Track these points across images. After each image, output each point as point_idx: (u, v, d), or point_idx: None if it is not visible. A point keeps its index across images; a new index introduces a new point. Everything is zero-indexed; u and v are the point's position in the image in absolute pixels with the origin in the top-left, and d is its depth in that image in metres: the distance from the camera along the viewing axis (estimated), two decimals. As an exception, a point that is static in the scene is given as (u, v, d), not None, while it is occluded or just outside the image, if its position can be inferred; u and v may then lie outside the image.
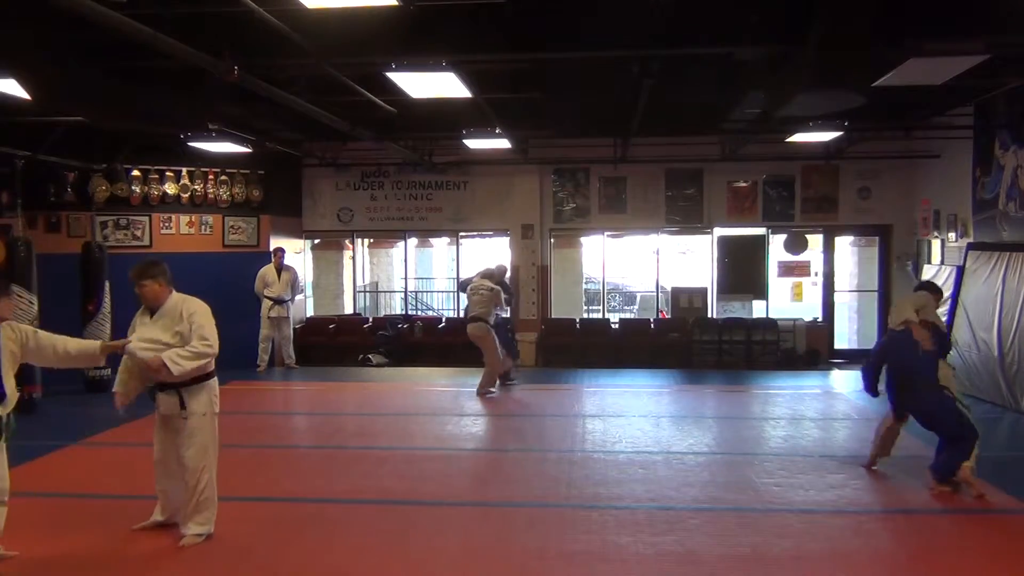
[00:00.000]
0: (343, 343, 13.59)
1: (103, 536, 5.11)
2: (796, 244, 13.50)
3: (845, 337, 14.70)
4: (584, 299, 15.04)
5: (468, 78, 7.29)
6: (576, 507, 5.85)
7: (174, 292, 5.14)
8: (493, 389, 10.22)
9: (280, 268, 12.18)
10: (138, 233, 11.81)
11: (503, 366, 10.40)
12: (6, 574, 4.71)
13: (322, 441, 8.35)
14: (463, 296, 11.37)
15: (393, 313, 15.71)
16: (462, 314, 12.10)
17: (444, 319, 14.56)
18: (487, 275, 10.41)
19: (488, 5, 6.37)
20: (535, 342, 13.31)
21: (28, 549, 4.92)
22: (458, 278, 10.90)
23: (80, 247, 10.56)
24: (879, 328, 13.49)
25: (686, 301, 13.53)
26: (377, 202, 13.86)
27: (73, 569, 4.81)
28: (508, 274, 11.97)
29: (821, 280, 14.03)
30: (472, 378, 10.45)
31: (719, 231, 13.47)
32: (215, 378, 5.23)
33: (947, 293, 10.57)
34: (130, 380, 5.15)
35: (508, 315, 11.29)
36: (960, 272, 10.41)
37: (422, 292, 18.06)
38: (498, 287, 10.31)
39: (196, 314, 5.03)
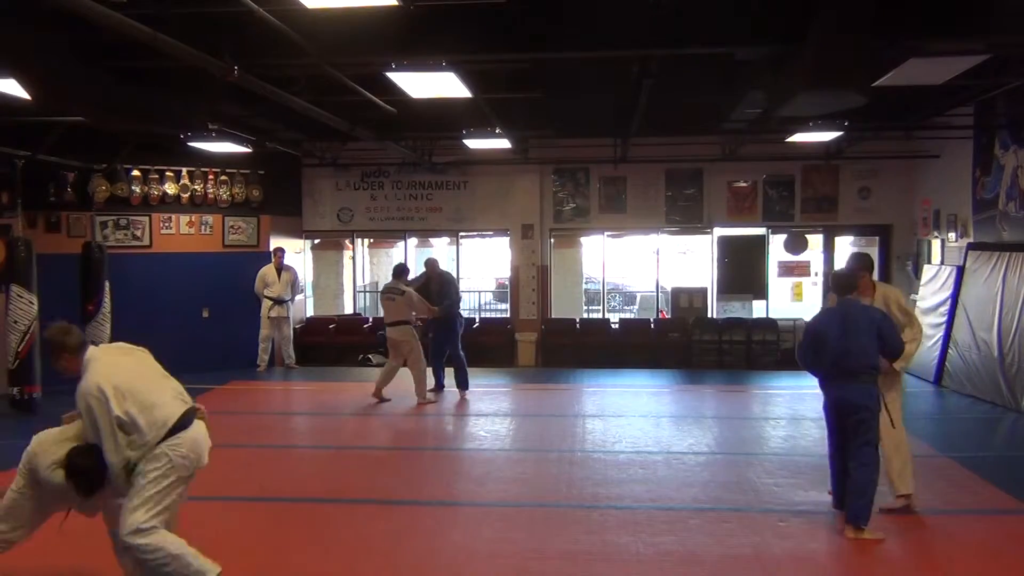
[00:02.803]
0: (343, 343, 13.58)
1: (101, 535, 5.10)
2: (796, 244, 13.49)
3: (845, 337, 14.67)
4: (584, 299, 15.04)
5: (468, 78, 7.30)
6: (576, 507, 5.86)
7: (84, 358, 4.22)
8: (430, 394, 9.88)
9: (280, 268, 12.18)
10: (138, 233, 11.79)
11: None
12: (8, 572, 4.71)
13: (322, 441, 8.35)
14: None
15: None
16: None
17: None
18: (399, 273, 9.89)
19: (488, 5, 6.37)
20: (535, 342, 13.32)
21: (27, 550, 4.92)
22: (457, 278, 10.71)
23: (80, 247, 10.53)
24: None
25: (686, 301, 13.53)
26: (377, 202, 13.86)
27: (73, 571, 4.81)
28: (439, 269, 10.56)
29: (821, 280, 14.04)
30: (473, 378, 10.42)
31: (719, 231, 13.46)
32: None
33: (947, 293, 10.63)
34: None
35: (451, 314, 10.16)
36: (960, 272, 10.41)
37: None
38: (409, 290, 9.61)
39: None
